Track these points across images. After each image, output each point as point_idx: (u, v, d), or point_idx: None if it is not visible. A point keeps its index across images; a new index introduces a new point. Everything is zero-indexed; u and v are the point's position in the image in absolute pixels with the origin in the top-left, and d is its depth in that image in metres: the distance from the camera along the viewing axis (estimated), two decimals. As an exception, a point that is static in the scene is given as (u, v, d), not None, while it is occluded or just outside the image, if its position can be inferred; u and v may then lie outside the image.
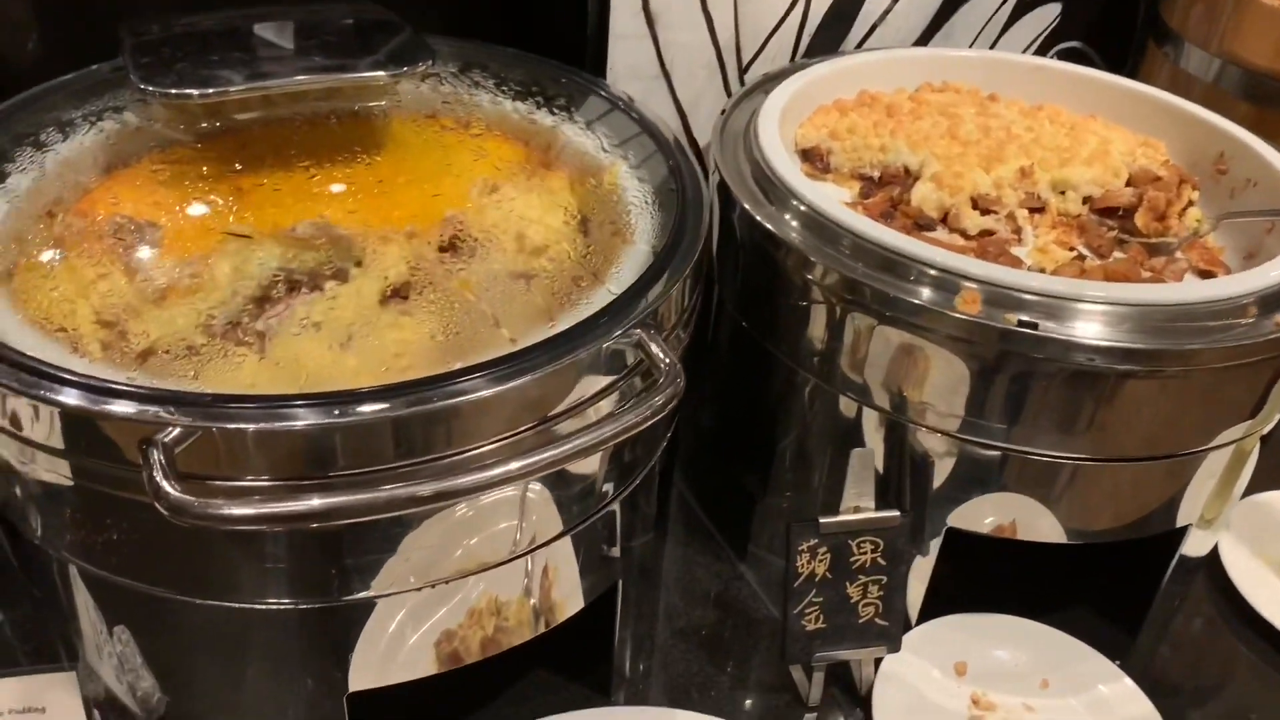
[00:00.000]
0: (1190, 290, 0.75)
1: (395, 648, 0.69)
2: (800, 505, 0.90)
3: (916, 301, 0.73)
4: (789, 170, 0.84)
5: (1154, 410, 0.74)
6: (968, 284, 0.73)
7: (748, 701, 0.85)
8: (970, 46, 1.16)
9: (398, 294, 0.76)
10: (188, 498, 0.50)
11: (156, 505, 0.51)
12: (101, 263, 0.71)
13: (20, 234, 0.72)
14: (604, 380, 0.62)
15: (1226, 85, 1.08)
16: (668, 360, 0.60)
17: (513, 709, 0.83)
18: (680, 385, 0.60)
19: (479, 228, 0.80)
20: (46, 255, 0.71)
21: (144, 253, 0.73)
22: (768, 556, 0.94)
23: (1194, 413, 0.76)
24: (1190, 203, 0.92)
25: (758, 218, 0.82)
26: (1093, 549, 0.83)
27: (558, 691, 0.84)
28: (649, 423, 0.59)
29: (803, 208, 0.81)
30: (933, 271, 0.74)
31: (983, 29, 1.16)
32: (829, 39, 1.07)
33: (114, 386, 0.56)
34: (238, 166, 0.78)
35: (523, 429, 0.60)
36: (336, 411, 0.55)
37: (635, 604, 0.81)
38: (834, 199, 0.82)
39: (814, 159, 0.97)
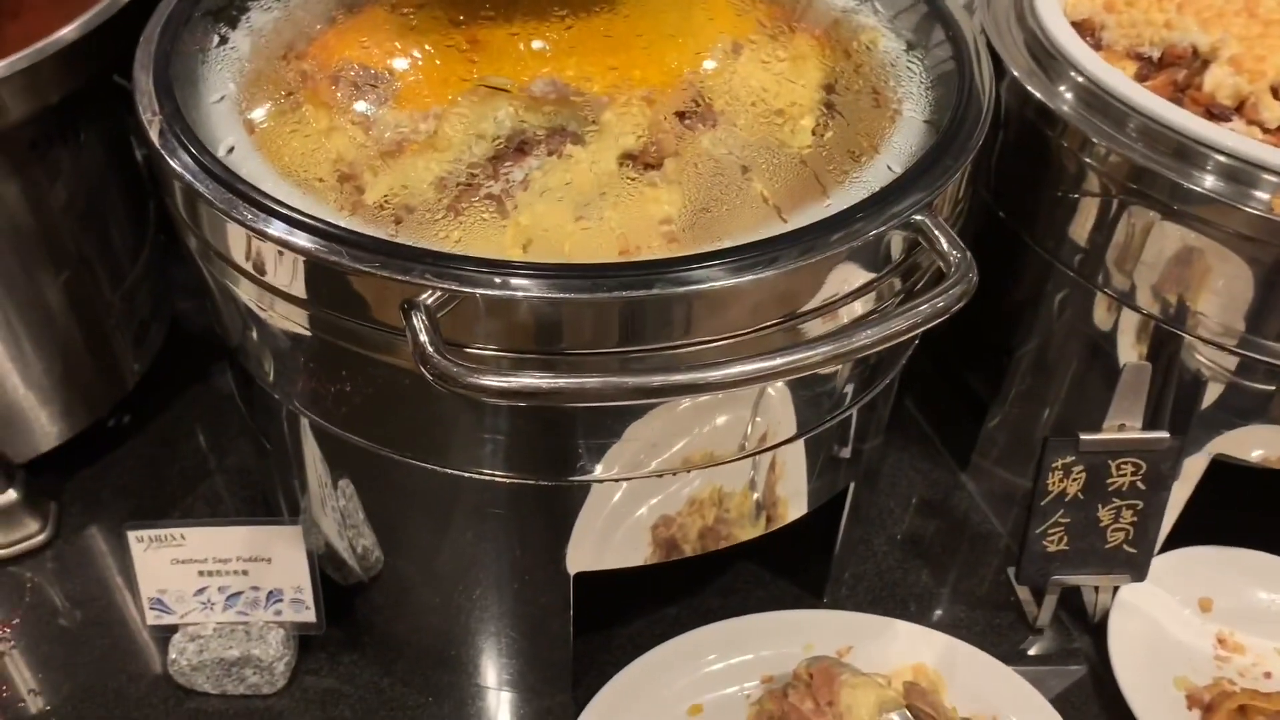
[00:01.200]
0: None
1: (617, 531, 0.66)
2: (1032, 417, 0.83)
3: (1215, 195, 0.65)
4: (1070, 40, 0.75)
5: None
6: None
7: (968, 617, 0.80)
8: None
9: (637, 161, 0.72)
10: (454, 365, 0.47)
11: (422, 370, 0.47)
12: (333, 114, 0.69)
13: (262, 77, 0.69)
14: (873, 274, 0.56)
15: None
16: (957, 253, 0.54)
17: (720, 600, 0.80)
18: (973, 282, 0.53)
19: (723, 92, 0.74)
20: (285, 103, 0.69)
21: (373, 104, 0.69)
22: (993, 469, 0.88)
23: None
24: None
25: (1031, 89, 0.73)
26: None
27: (766, 586, 0.81)
28: (937, 321, 0.53)
29: (1084, 80, 0.73)
30: (1239, 164, 0.65)
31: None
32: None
33: (381, 242, 0.52)
34: (472, 15, 0.74)
35: (794, 316, 0.54)
36: (610, 285, 0.50)
37: (859, 509, 0.76)
38: (1121, 75, 0.73)
39: (1083, 33, 0.86)
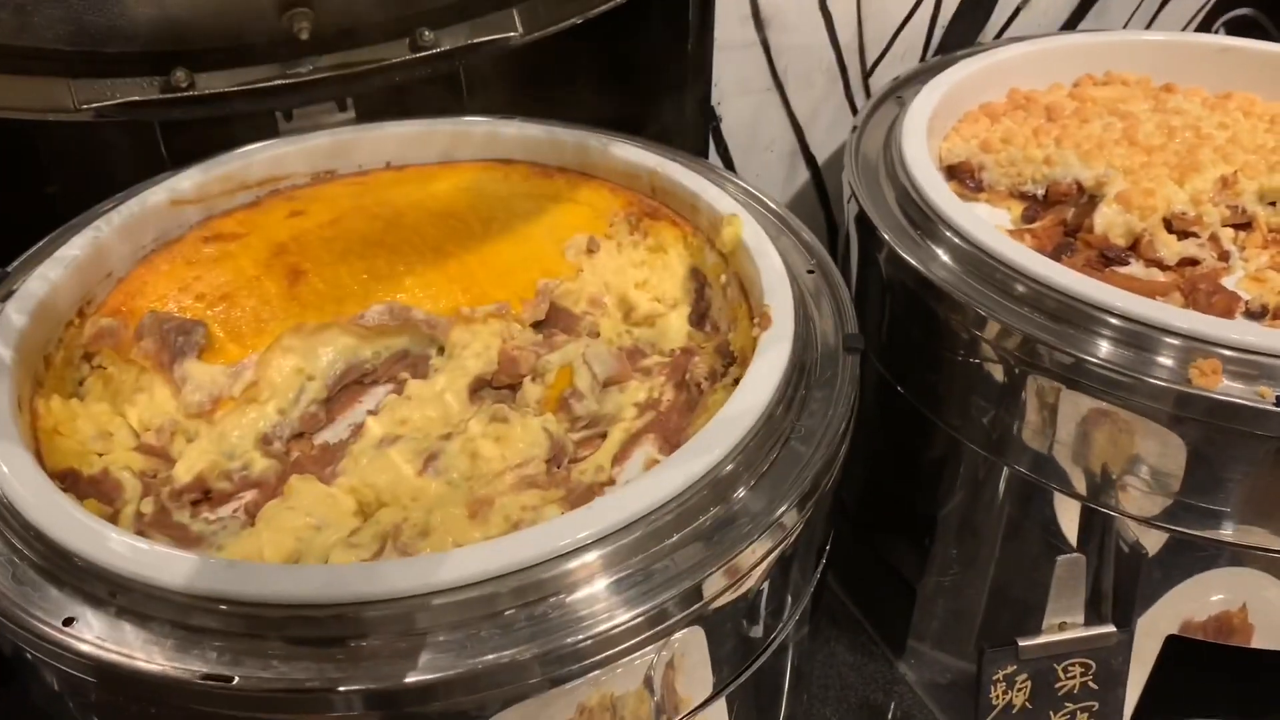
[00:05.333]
0: None
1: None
2: (964, 594, 0.76)
3: (1112, 366, 0.58)
4: (944, 197, 0.69)
5: None
6: (1206, 349, 0.57)
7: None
8: (1125, 26, 1.00)
9: (489, 385, 0.64)
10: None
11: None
12: (138, 376, 0.60)
13: (47, 343, 0.59)
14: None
15: None
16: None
17: None
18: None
19: (578, 297, 0.67)
20: (73, 372, 0.60)
21: (188, 360, 0.60)
22: (932, 653, 0.79)
23: None
24: None
25: (907, 257, 0.67)
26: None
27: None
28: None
29: (962, 243, 0.66)
30: (1137, 326, 0.59)
31: (1139, 5, 0.99)
32: (964, 31, 0.92)
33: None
34: (290, 245, 0.66)
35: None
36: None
37: None
38: (995, 229, 0.67)
39: (963, 176, 0.82)
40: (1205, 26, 1.04)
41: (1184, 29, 1.03)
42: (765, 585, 0.49)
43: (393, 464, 0.56)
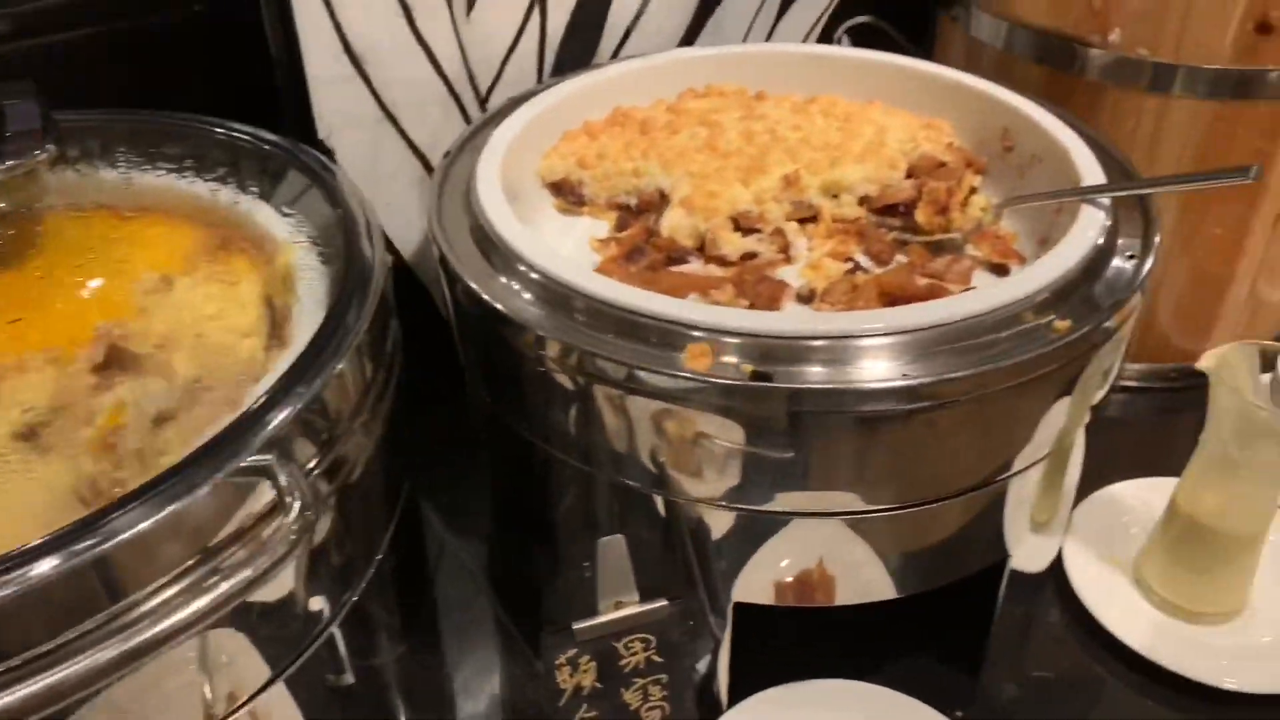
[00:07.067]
0: (944, 309, 0.63)
1: None
2: (583, 593, 0.79)
3: (645, 366, 0.62)
4: (507, 225, 0.70)
5: (926, 449, 0.64)
6: (695, 335, 0.62)
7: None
8: (745, 40, 1.06)
9: (34, 433, 0.65)
10: None
11: None
12: None
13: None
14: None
15: (1018, 50, 0.99)
16: (294, 495, 0.49)
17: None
18: (309, 519, 0.48)
19: (145, 336, 0.69)
20: None
21: None
22: (565, 649, 0.83)
23: (975, 445, 0.66)
24: (973, 189, 0.83)
25: (478, 290, 0.68)
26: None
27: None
28: (271, 571, 0.47)
29: (526, 270, 0.68)
30: (662, 325, 0.63)
31: (755, 18, 1.06)
32: (579, 53, 0.96)
33: None
34: None
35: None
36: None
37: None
38: (555, 253, 0.68)
39: (566, 192, 0.86)
40: (827, 35, 1.12)
41: (805, 40, 1.10)
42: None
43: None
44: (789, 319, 0.64)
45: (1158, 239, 0.71)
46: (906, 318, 0.62)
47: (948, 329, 0.62)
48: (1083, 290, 0.66)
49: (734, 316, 0.62)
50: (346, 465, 0.59)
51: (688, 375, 0.60)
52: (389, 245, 0.94)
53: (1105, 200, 0.71)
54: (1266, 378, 0.88)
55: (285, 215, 0.68)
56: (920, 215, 0.80)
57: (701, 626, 0.71)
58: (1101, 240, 0.68)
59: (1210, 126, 0.92)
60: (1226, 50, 0.89)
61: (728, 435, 0.63)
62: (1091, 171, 0.75)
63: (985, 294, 0.63)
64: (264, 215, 0.69)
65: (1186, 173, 0.74)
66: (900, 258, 0.78)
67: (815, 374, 0.60)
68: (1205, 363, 0.76)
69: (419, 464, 1.02)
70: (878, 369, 0.60)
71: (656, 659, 0.67)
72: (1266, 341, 0.78)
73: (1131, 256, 0.69)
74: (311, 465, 0.55)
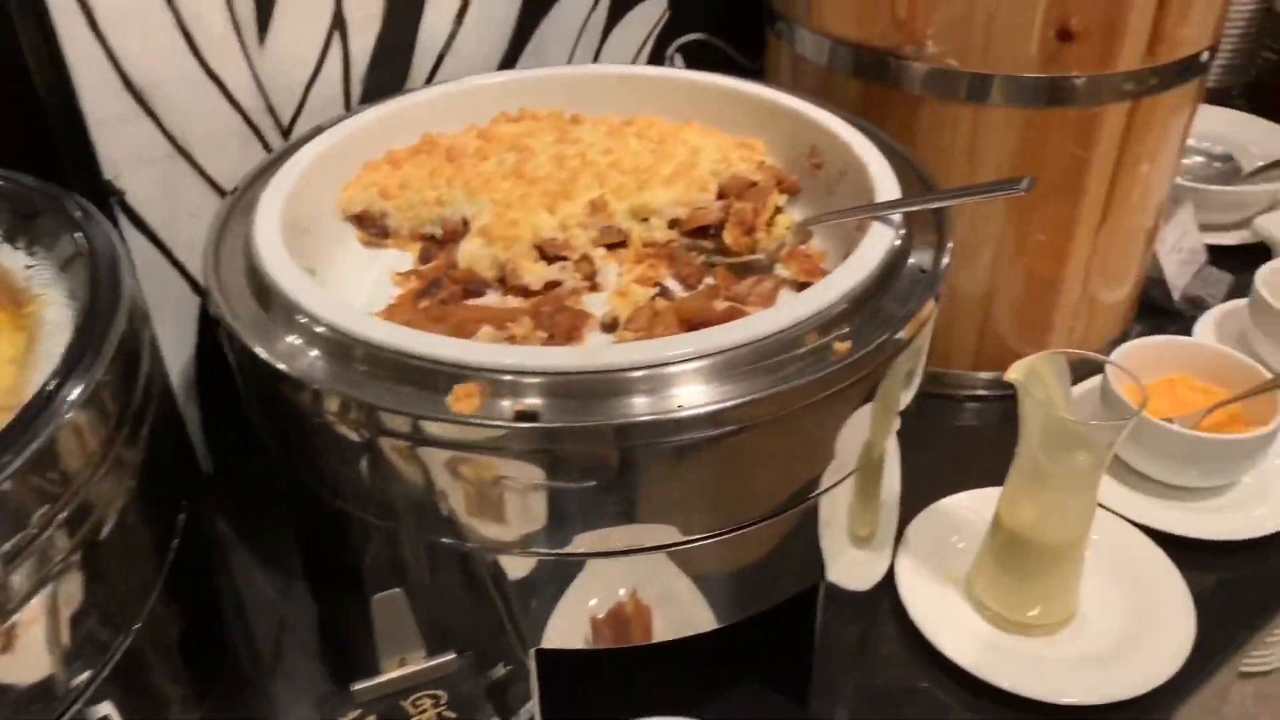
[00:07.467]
0: (721, 336, 0.60)
1: None
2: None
3: (411, 413, 0.58)
4: (282, 269, 0.65)
5: (717, 477, 0.62)
6: (465, 375, 0.59)
7: None
8: (570, 61, 1.04)
9: None
10: None
11: None
12: None
13: None
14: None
15: (838, 66, 0.98)
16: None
17: None
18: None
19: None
20: None
21: None
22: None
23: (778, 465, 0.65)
24: (779, 209, 0.81)
25: (249, 344, 0.63)
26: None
27: None
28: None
29: (301, 316, 0.63)
30: (429, 367, 0.59)
31: (579, 38, 1.04)
32: (389, 79, 0.93)
33: None
34: None
35: None
36: None
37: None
38: (330, 297, 0.64)
39: (368, 225, 0.83)
40: (657, 55, 1.11)
41: (634, 59, 1.09)
42: None
43: None
44: (559, 354, 0.61)
45: (950, 248, 0.70)
46: (681, 346, 0.60)
47: (733, 354, 0.60)
48: (872, 304, 0.65)
49: (504, 353, 0.59)
50: (88, 521, 0.54)
51: (454, 419, 0.57)
52: (196, 287, 0.90)
53: (896, 215, 0.71)
54: (1082, 386, 0.89)
55: (30, 265, 0.64)
56: (727, 237, 0.79)
57: (507, 676, 0.68)
58: (887, 255, 0.67)
59: (1023, 135, 0.93)
60: (1033, 58, 0.89)
61: (517, 478, 0.61)
62: (887, 186, 0.74)
63: (762, 318, 0.62)
64: (10, 262, 0.65)
65: (964, 186, 0.74)
66: (709, 280, 0.77)
67: (595, 408, 0.58)
68: (1013, 374, 0.75)
69: (248, 512, 0.99)
70: (651, 402, 0.58)
71: (449, 715, 0.64)
72: (1074, 350, 0.78)
73: (923, 271, 0.68)
74: (34, 530, 0.50)
